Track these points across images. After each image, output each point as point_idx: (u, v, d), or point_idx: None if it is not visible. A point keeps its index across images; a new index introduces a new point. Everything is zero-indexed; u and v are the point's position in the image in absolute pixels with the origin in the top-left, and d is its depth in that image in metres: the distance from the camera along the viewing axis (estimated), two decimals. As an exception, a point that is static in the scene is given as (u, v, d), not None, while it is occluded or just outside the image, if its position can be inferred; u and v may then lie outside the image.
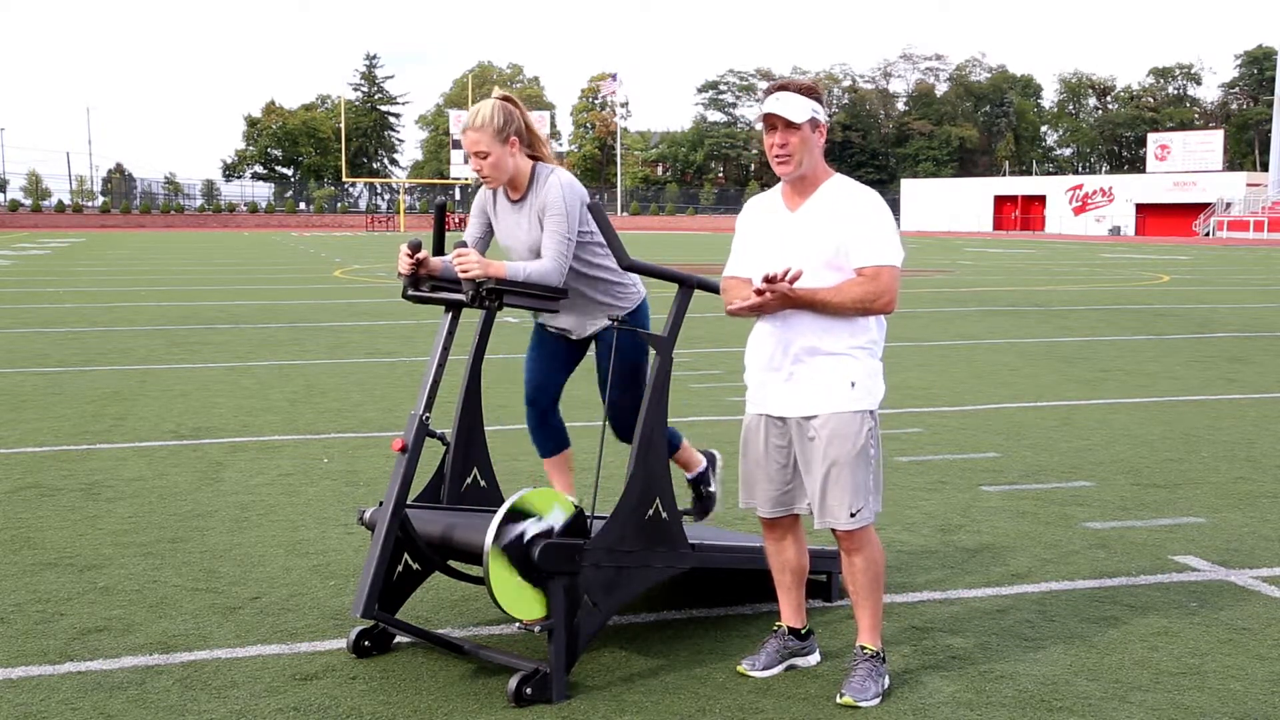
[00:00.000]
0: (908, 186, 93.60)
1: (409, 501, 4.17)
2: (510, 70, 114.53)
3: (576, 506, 4.01)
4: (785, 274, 3.70)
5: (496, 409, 8.57)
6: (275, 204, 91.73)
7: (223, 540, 5.55)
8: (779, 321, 3.84)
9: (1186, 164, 79.56)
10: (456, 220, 69.23)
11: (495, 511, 3.89)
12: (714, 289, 4.16)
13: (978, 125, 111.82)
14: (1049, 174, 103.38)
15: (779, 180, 3.92)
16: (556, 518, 3.89)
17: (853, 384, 3.82)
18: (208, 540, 5.55)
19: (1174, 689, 3.91)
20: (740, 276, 3.97)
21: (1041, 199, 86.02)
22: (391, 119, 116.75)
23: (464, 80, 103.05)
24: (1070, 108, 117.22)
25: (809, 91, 3.80)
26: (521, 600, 3.84)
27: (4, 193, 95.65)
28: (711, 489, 4.65)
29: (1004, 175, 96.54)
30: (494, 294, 4.08)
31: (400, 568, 4.21)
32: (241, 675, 3.99)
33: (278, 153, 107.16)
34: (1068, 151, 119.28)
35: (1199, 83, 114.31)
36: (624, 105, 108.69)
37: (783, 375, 3.87)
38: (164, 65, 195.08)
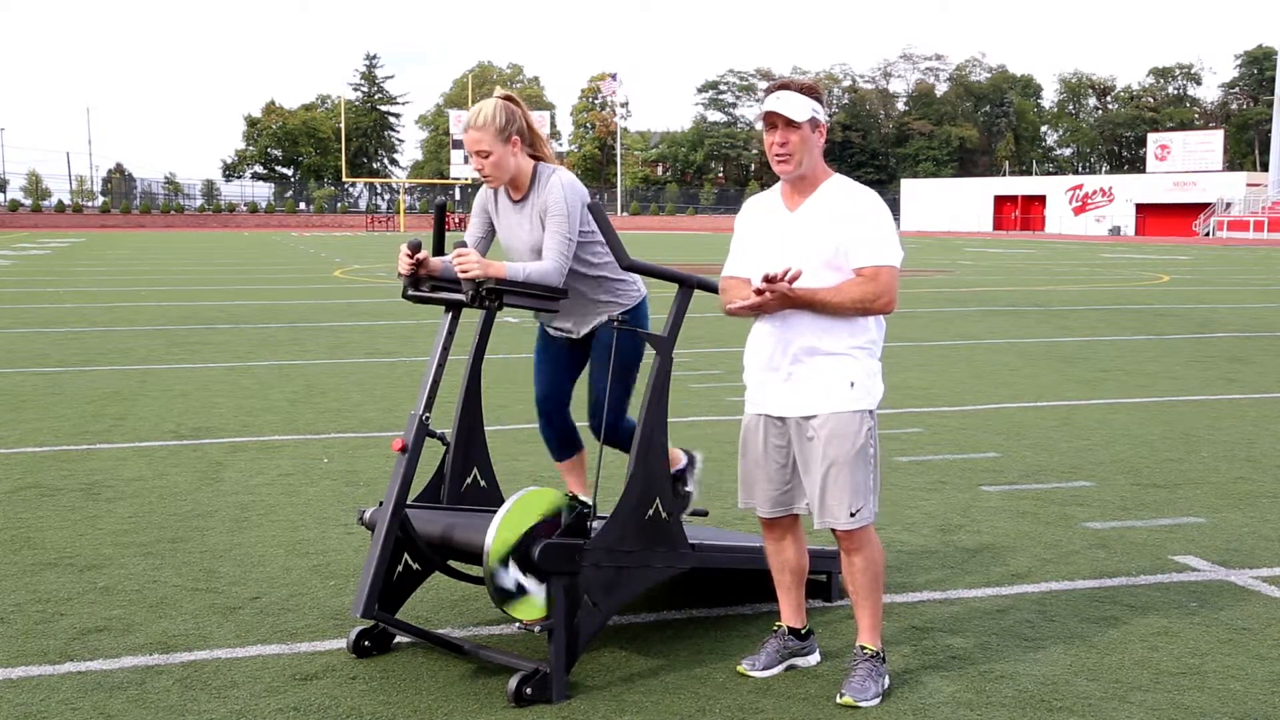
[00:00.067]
0: (908, 186, 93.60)
1: (409, 501, 4.17)
2: (510, 70, 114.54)
3: (576, 506, 4.01)
4: (785, 274, 3.70)
5: (496, 409, 8.57)
6: (275, 204, 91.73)
7: (223, 540, 5.55)
8: (778, 321, 3.84)
9: (1186, 164, 79.56)
10: (456, 220, 69.22)
11: (495, 511, 3.89)
12: (714, 289, 4.16)
13: (978, 125, 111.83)
14: (1049, 174, 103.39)
15: (779, 180, 3.92)
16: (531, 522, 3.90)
17: (852, 384, 3.82)
18: (208, 540, 5.55)
19: (1174, 689, 3.91)
20: (739, 276, 3.96)
21: (1041, 199, 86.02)
22: (391, 119, 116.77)
23: (464, 80, 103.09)
24: (1070, 108, 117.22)
25: (809, 91, 3.80)
26: (522, 600, 3.84)
27: (4, 193, 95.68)
28: (687, 488, 4.63)
29: (1004, 175, 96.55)
30: (494, 294, 4.08)
31: (400, 568, 4.21)
32: (241, 675, 3.99)
33: (278, 153, 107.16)
34: (1068, 151, 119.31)
35: (1199, 83, 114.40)
36: (624, 105, 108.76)
37: (782, 375, 3.87)
38: (164, 65, 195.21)
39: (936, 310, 18.25)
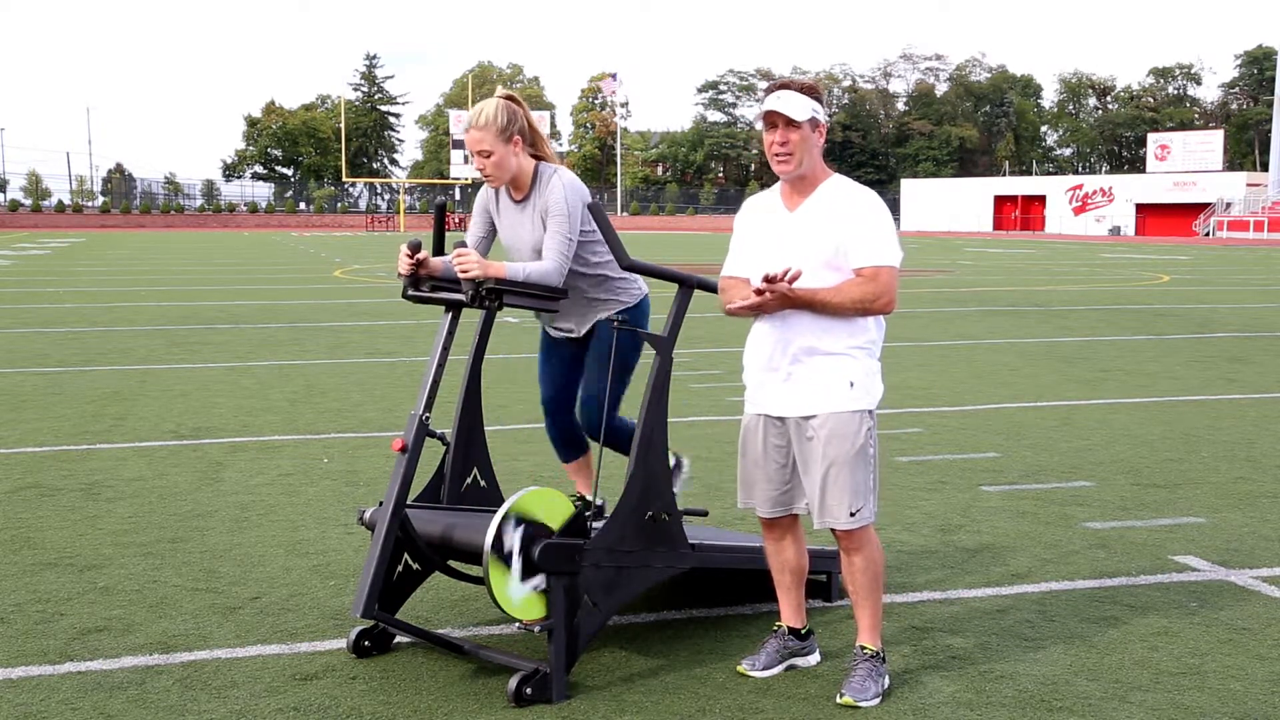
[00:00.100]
0: (908, 186, 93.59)
1: (409, 501, 4.17)
2: (510, 70, 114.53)
3: (576, 507, 4.01)
4: (785, 274, 3.70)
5: (496, 409, 8.57)
6: (275, 204, 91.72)
7: (223, 540, 5.55)
8: (778, 321, 3.84)
9: (1186, 164, 79.56)
10: (456, 220, 69.22)
11: (495, 511, 3.89)
12: (714, 289, 4.16)
13: (978, 125, 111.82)
14: (1049, 174, 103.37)
15: (778, 180, 3.92)
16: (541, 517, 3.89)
17: (851, 384, 3.83)
18: (208, 540, 5.55)
19: (1174, 689, 3.91)
20: (738, 276, 3.96)
21: (1041, 199, 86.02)
22: (391, 119, 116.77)
23: (464, 80, 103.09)
24: (1070, 108, 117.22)
25: (810, 91, 3.80)
26: (522, 600, 3.84)
27: (4, 193, 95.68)
28: (674, 489, 4.60)
29: (1004, 175, 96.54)
30: (494, 294, 4.08)
31: (400, 568, 4.21)
32: (241, 675, 3.99)
33: (278, 153, 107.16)
34: (1068, 151, 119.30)
35: (1199, 83, 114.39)
36: (624, 105, 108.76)
37: (781, 375, 3.87)
38: (164, 65, 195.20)
39: (936, 310, 18.25)
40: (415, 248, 4.16)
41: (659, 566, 4.17)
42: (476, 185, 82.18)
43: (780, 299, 3.74)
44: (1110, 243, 61.63)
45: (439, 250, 4.36)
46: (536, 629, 3.84)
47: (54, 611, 4.59)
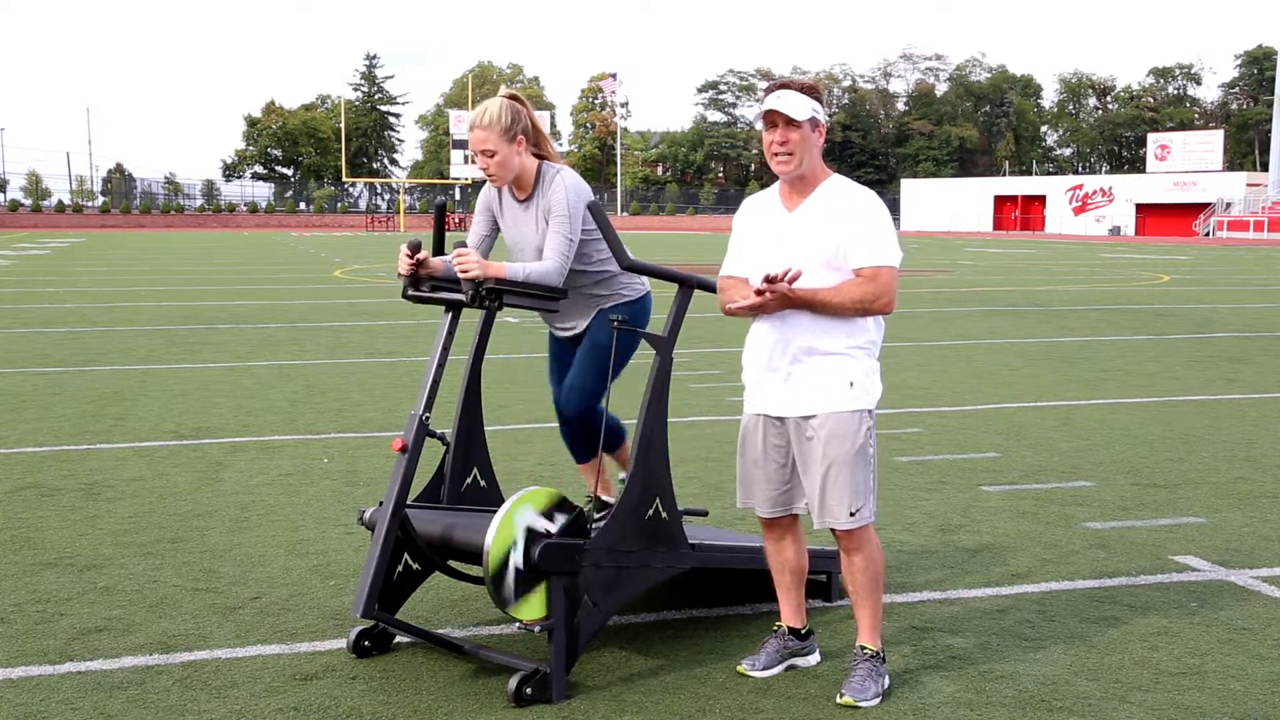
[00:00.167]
0: (908, 186, 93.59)
1: (409, 501, 4.17)
2: (510, 70, 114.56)
3: (576, 507, 4.01)
4: (785, 274, 3.70)
5: (496, 409, 8.57)
6: (275, 204, 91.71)
7: (223, 540, 5.55)
8: (777, 321, 3.84)
9: (1186, 164, 79.55)
10: (456, 220, 69.21)
11: (495, 511, 3.89)
12: (713, 289, 4.16)
13: (978, 125, 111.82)
14: (1049, 174, 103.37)
15: (778, 179, 3.92)
16: (522, 523, 3.87)
17: (851, 384, 3.83)
18: (208, 540, 5.55)
19: (1174, 689, 3.91)
20: (737, 276, 3.96)
21: (1041, 199, 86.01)
22: (391, 119, 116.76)
23: (464, 80, 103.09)
24: (1070, 108, 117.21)
25: (810, 91, 3.80)
26: (522, 600, 3.84)
27: (4, 193, 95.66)
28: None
29: (1004, 175, 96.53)
30: (494, 294, 4.08)
31: (400, 568, 4.21)
32: (241, 675, 3.99)
33: (278, 153, 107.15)
34: (1068, 151, 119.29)
35: (1199, 83, 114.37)
36: (624, 105, 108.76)
37: (780, 375, 3.87)
38: (164, 65, 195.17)
39: (936, 310, 18.25)
40: (415, 248, 4.16)
41: (659, 566, 4.17)
42: (476, 185, 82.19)
43: (780, 299, 3.74)
44: (1110, 243, 61.64)
45: (439, 250, 4.36)
46: (536, 629, 3.84)
47: (54, 611, 4.59)
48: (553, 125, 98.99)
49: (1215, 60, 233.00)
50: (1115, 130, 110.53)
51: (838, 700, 3.80)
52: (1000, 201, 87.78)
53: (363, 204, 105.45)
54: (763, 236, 3.92)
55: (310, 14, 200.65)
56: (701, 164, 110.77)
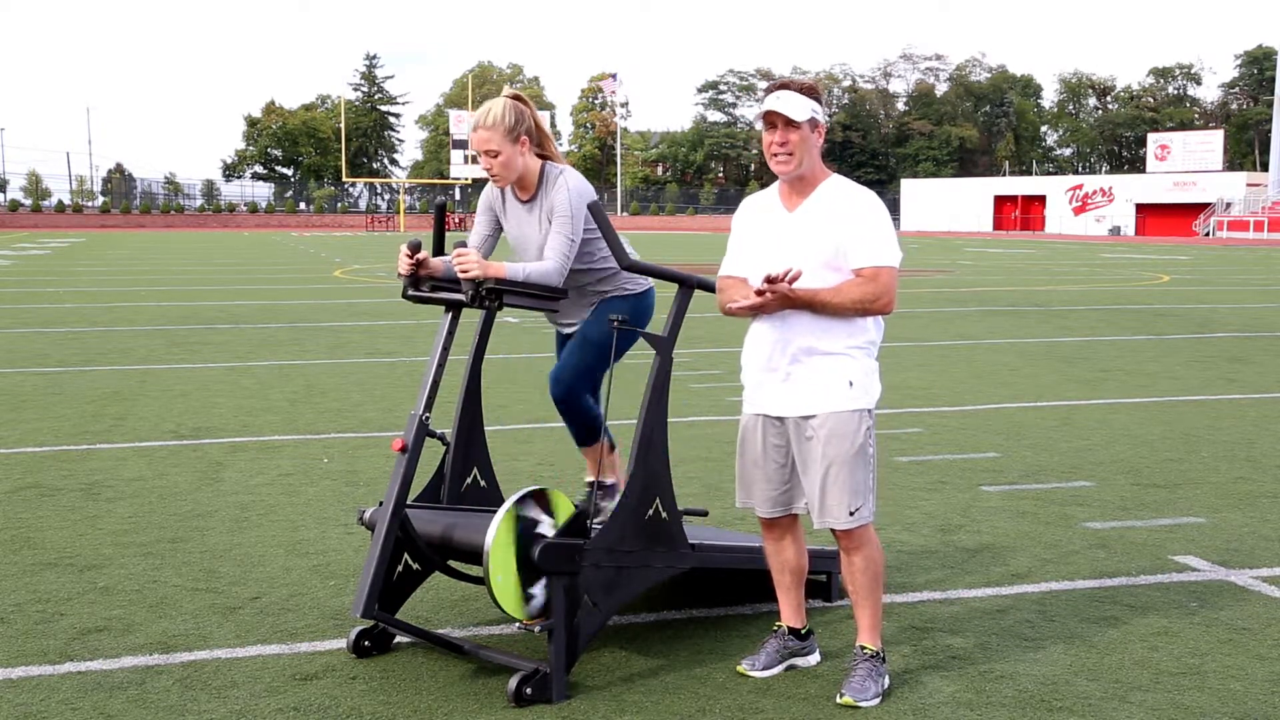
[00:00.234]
0: (908, 186, 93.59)
1: (409, 501, 4.17)
2: (510, 70, 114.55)
3: (576, 507, 4.01)
4: (786, 274, 3.70)
5: (496, 409, 8.57)
6: (275, 204, 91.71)
7: (223, 540, 5.55)
8: (777, 321, 3.84)
9: (1186, 164, 79.55)
10: (456, 220, 69.19)
11: (495, 511, 3.89)
12: (714, 289, 4.16)
13: (978, 125, 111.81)
14: (1049, 174, 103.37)
15: (777, 179, 3.92)
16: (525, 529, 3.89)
17: (850, 383, 3.83)
18: (208, 540, 5.55)
19: (1174, 689, 3.91)
20: (737, 276, 3.96)
21: (1041, 199, 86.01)
22: (391, 119, 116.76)
23: (464, 80, 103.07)
24: (1070, 108, 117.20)
25: (809, 91, 3.80)
26: (522, 600, 3.84)
27: (4, 193, 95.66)
28: (600, 519, 4.46)
29: (1004, 175, 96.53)
30: (494, 294, 4.08)
31: (400, 568, 4.21)
32: (241, 675, 4.00)
33: (278, 153, 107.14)
34: (1068, 151, 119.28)
35: (1199, 83, 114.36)
36: (624, 105, 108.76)
37: (780, 375, 3.87)
38: (164, 65, 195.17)
39: (936, 310, 18.25)
40: (415, 248, 4.16)
41: (659, 566, 4.17)
42: (476, 185, 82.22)
43: (780, 299, 3.74)
44: (1110, 243, 61.64)
45: (439, 250, 4.36)
46: (536, 629, 3.84)
47: (54, 611, 4.59)
48: (553, 125, 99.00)
49: (1215, 60, 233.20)
50: (1115, 130, 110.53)
51: (838, 700, 3.80)
52: (1000, 201, 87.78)
53: (363, 204, 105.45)
54: (762, 237, 3.92)
55: (310, 14, 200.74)
56: (701, 164, 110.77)
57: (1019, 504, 6.27)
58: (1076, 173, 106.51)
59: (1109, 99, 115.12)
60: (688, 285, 4.29)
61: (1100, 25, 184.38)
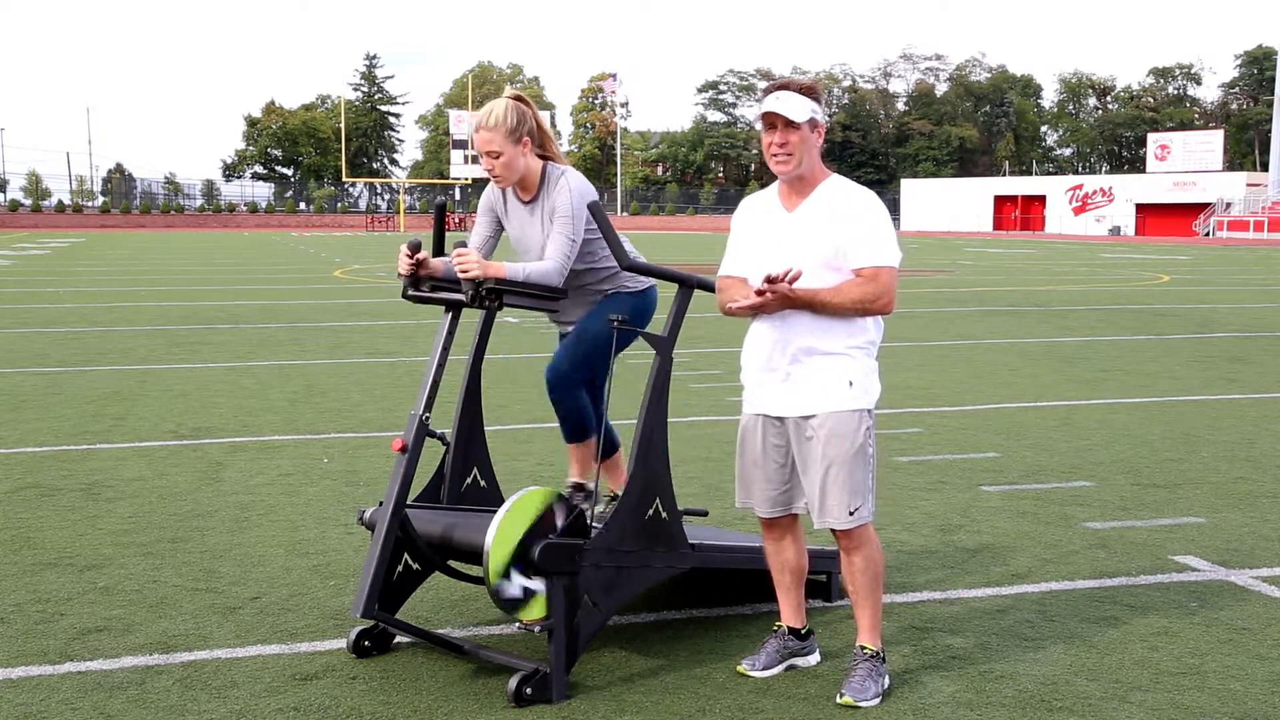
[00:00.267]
0: (908, 186, 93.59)
1: (409, 501, 4.17)
2: (510, 70, 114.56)
3: (576, 507, 4.01)
4: (786, 274, 3.70)
5: (496, 409, 8.57)
6: (275, 204, 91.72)
7: (223, 540, 5.55)
8: (777, 322, 3.84)
9: (1186, 164, 79.55)
10: (456, 220, 69.18)
11: (495, 511, 3.89)
12: (714, 289, 4.16)
13: (978, 125, 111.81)
14: (1049, 174, 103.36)
15: (776, 179, 3.92)
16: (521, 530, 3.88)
17: (850, 383, 3.83)
18: (208, 540, 5.55)
19: (1174, 689, 3.91)
20: (736, 276, 3.96)
21: (1041, 199, 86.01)
22: (391, 119, 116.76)
23: (464, 80, 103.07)
24: (1070, 108, 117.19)
25: (809, 91, 3.80)
26: (531, 603, 3.84)
27: (4, 193, 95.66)
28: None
29: (1004, 175, 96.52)
30: (494, 294, 4.08)
31: (400, 568, 4.21)
32: (241, 675, 4.00)
33: (278, 153, 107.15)
34: (1068, 151, 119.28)
35: (1199, 83, 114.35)
36: (624, 105, 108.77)
37: (780, 375, 3.87)
38: (164, 65, 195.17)
39: (936, 310, 18.25)
40: (415, 248, 4.16)
41: (659, 566, 4.17)
42: (477, 185, 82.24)
43: (780, 299, 3.74)
44: (1110, 243, 61.63)
45: (439, 250, 4.36)
46: (536, 629, 3.84)
47: (54, 611, 4.59)
48: (553, 124, 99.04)
49: (1215, 60, 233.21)
50: (1115, 130, 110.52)
51: (838, 700, 3.80)
52: (1000, 201, 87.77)
53: (363, 204, 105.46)
54: (762, 237, 3.92)
55: (310, 14, 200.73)
56: (701, 164, 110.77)
57: (1019, 504, 6.27)
58: (1076, 173, 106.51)
59: (1109, 99, 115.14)
60: (688, 285, 4.29)
61: (1100, 25, 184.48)
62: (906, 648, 4.27)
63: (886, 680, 3.90)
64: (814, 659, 4.15)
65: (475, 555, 3.91)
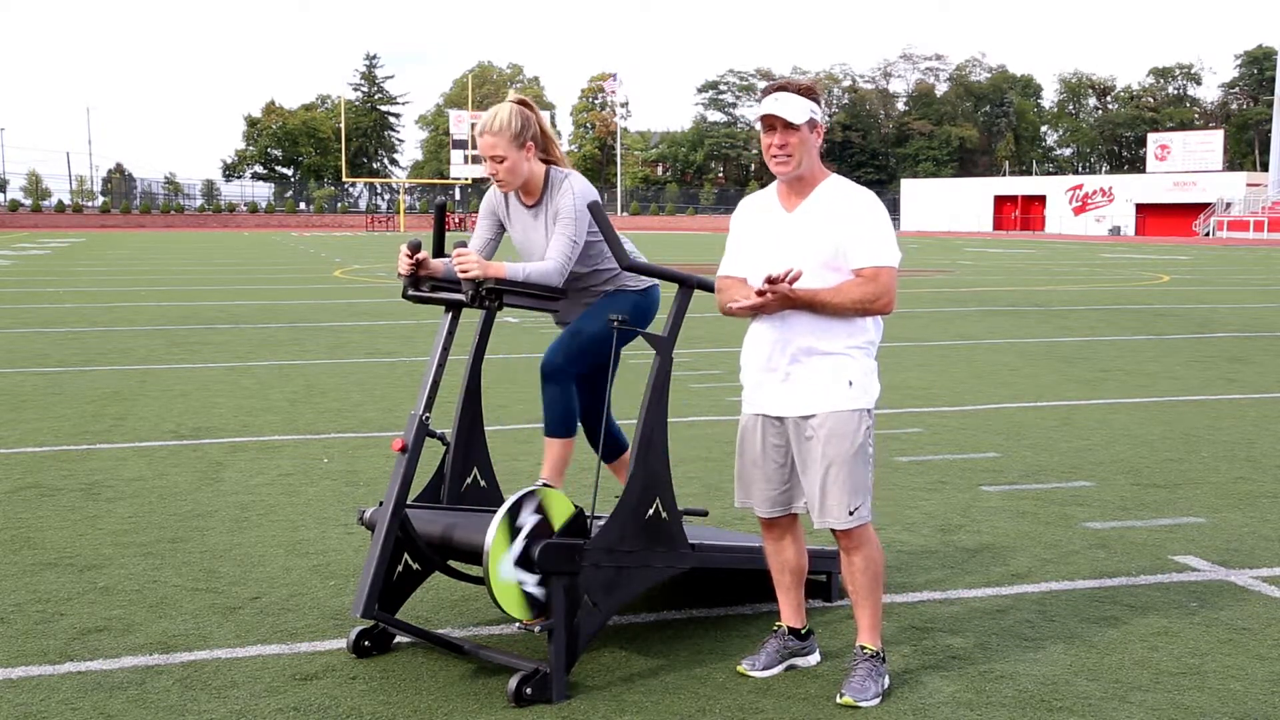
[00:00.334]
0: (908, 186, 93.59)
1: (409, 501, 4.18)
2: (510, 70, 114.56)
3: (576, 507, 4.01)
4: (786, 275, 3.70)
5: (496, 409, 8.57)
6: (275, 204, 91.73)
7: (223, 540, 5.55)
8: (777, 322, 3.84)
9: (1186, 164, 79.54)
10: (456, 220, 69.17)
11: (495, 511, 3.89)
12: (714, 289, 4.17)
13: (978, 125, 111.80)
14: (1049, 174, 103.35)
15: (775, 179, 3.92)
16: (522, 523, 3.87)
17: (850, 383, 3.83)
18: (208, 540, 5.55)
19: (1174, 689, 3.91)
20: (736, 276, 3.97)
21: (1041, 199, 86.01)
22: (391, 119, 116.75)
23: (464, 80, 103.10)
24: (1070, 108, 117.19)
25: (807, 92, 3.80)
26: (522, 600, 3.84)
27: (4, 193, 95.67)
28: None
29: (1004, 175, 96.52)
30: (494, 294, 4.08)
31: (400, 568, 4.21)
32: (241, 675, 4.00)
33: (278, 153, 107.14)
34: (1068, 151, 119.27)
35: (1199, 83, 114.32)
36: (624, 105, 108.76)
37: (779, 375, 3.87)
38: (164, 65, 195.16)
39: (936, 310, 18.25)
40: (415, 248, 4.16)
41: (659, 566, 4.17)
42: (476, 185, 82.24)
43: (781, 300, 3.74)
44: (1110, 243, 61.63)
45: (439, 251, 4.36)
46: (536, 629, 3.84)
47: (54, 611, 4.59)
48: (553, 124, 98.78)
49: (1215, 60, 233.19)
50: (1115, 130, 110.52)
51: (838, 700, 3.80)
52: (1000, 201, 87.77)
53: (363, 204, 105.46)
54: (761, 237, 3.92)
55: (310, 14, 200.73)
56: (701, 164, 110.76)
57: (1019, 504, 6.27)
58: (1076, 173, 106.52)
59: (1109, 99, 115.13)
60: (688, 285, 4.29)
61: (1100, 25, 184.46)
62: (906, 648, 4.27)
63: (886, 680, 3.90)
64: (814, 659, 4.16)
65: (475, 555, 3.91)
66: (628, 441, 4.81)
